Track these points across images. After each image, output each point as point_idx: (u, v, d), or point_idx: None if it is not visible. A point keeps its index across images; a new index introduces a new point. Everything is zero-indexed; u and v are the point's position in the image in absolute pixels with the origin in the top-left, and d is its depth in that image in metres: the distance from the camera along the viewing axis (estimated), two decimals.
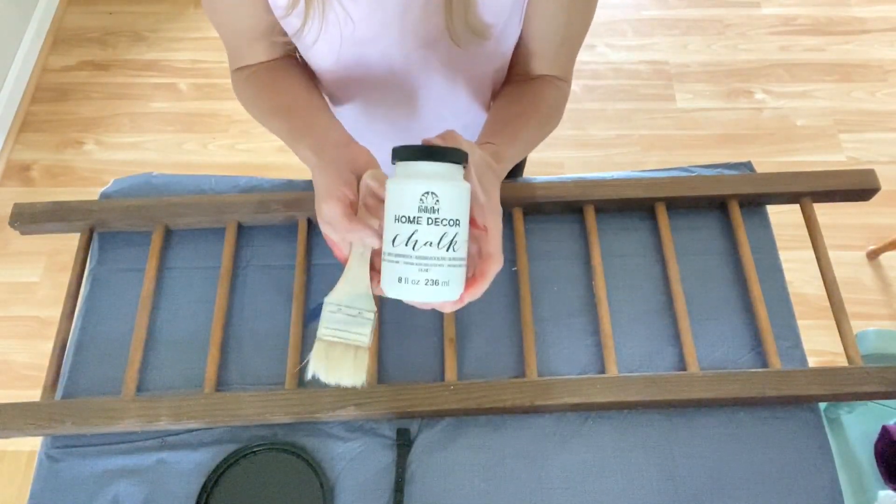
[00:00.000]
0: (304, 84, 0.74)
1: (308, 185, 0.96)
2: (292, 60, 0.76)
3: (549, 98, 0.75)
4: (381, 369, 0.83)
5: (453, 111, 0.83)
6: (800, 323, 0.87)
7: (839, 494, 0.77)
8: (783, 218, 1.04)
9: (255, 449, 0.78)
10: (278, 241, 0.92)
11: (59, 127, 2.13)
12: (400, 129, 0.86)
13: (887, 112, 2.12)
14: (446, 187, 0.48)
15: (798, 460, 0.78)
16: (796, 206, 0.93)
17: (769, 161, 1.98)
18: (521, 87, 0.76)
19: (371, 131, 0.87)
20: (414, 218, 0.47)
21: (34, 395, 0.82)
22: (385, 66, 0.72)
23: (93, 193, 0.97)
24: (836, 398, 0.81)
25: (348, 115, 0.85)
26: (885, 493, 1.11)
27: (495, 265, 0.53)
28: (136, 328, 0.84)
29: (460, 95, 0.80)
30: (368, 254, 0.55)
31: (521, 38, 0.74)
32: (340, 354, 0.57)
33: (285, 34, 0.71)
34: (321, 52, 0.71)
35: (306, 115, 0.68)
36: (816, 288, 0.92)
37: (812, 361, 0.84)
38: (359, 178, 0.56)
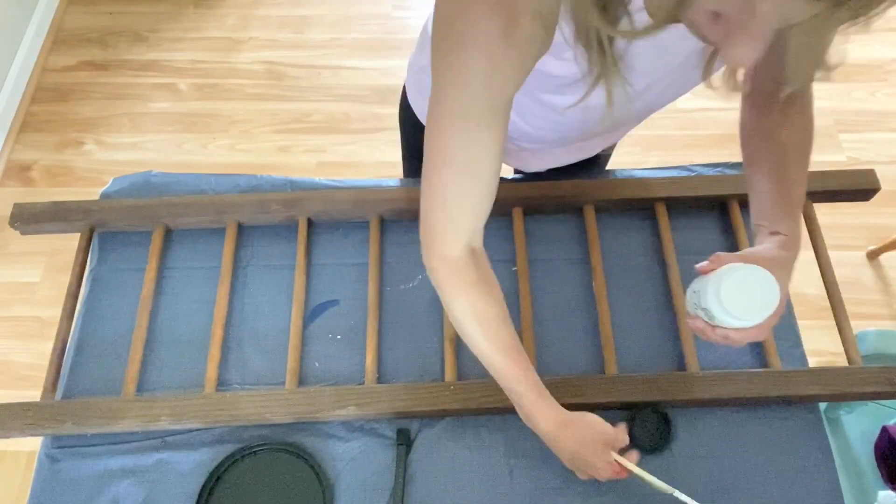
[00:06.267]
0: (508, 318, 0.71)
1: (309, 185, 0.96)
2: (491, 275, 0.70)
3: (803, 136, 0.73)
4: (381, 369, 0.83)
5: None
6: (800, 323, 0.87)
7: (839, 494, 0.77)
8: None
9: (255, 449, 0.78)
10: (278, 241, 0.92)
11: (59, 127, 2.12)
12: (579, 140, 0.82)
13: (887, 112, 2.11)
14: None
15: (798, 460, 0.78)
16: None
17: None
18: (775, 139, 0.73)
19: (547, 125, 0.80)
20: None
21: (34, 395, 0.82)
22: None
23: (93, 193, 0.97)
24: (836, 398, 0.81)
25: (535, 114, 0.76)
26: (885, 493, 1.11)
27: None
28: (136, 328, 0.84)
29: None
30: None
31: (766, 65, 0.67)
32: None
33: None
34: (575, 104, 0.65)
35: (523, 359, 0.71)
36: (816, 288, 0.91)
37: (812, 361, 0.84)
38: None
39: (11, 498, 1.57)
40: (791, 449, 0.79)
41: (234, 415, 0.78)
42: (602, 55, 0.52)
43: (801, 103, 0.72)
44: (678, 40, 0.54)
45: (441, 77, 0.56)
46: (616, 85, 0.55)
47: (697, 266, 0.66)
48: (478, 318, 0.68)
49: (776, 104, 0.72)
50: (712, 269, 0.63)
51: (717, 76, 0.59)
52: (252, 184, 0.97)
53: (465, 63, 0.53)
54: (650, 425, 0.79)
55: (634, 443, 0.78)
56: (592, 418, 0.72)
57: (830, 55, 0.66)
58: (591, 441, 0.70)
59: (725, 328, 0.63)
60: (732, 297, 0.59)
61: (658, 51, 0.57)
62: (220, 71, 2.23)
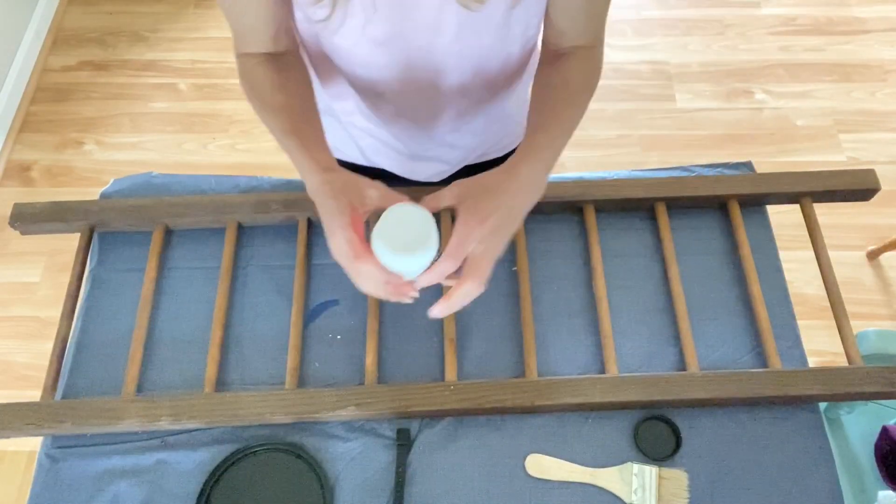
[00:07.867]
0: (304, 87, 0.75)
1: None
2: (295, 58, 0.76)
3: (575, 78, 0.75)
4: (381, 369, 0.83)
5: (471, 105, 0.83)
6: (800, 323, 0.87)
7: (839, 494, 0.77)
8: (783, 218, 1.04)
9: (255, 449, 0.78)
10: (278, 241, 0.92)
11: (59, 127, 2.13)
12: (414, 128, 0.86)
13: (887, 112, 2.11)
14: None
15: (798, 460, 0.78)
16: (796, 206, 0.93)
17: (769, 161, 1.98)
18: (546, 77, 0.76)
19: (381, 129, 0.87)
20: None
21: (34, 395, 0.81)
22: (400, 61, 0.73)
23: (93, 193, 0.97)
24: (836, 398, 0.81)
25: (359, 112, 0.85)
26: (885, 494, 1.11)
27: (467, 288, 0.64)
28: (136, 328, 0.84)
29: (477, 89, 0.80)
30: None
31: (546, 16, 0.74)
32: None
33: (290, 32, 0.72)
34: (342, 45, 0.72)
35: (302, 121, 0.71)
36: (816, 288, 0.91)
37: (812, 361, 0.84)
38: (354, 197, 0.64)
39: (11, 498, 1.57)
40: (791, 449, 0.79)
41: (234, 415, 0.78)
42: None
43: (583, 56, 0.75)
44: None
45: None
46: None
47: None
48: (254, 81, 0.72)
49: (558, 53, 0.75)
50: None
51: None
52: (252, 184, 0.97)
53: None
54: (655, 434, 0.79)
55: (641, 452, 0.78)
56: (353, 184, 0.64)
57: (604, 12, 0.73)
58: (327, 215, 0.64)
59: (415, 279, 0.65)
60: (389, 233, 0.62)
61: None
62: (220, 71, 2.23)
